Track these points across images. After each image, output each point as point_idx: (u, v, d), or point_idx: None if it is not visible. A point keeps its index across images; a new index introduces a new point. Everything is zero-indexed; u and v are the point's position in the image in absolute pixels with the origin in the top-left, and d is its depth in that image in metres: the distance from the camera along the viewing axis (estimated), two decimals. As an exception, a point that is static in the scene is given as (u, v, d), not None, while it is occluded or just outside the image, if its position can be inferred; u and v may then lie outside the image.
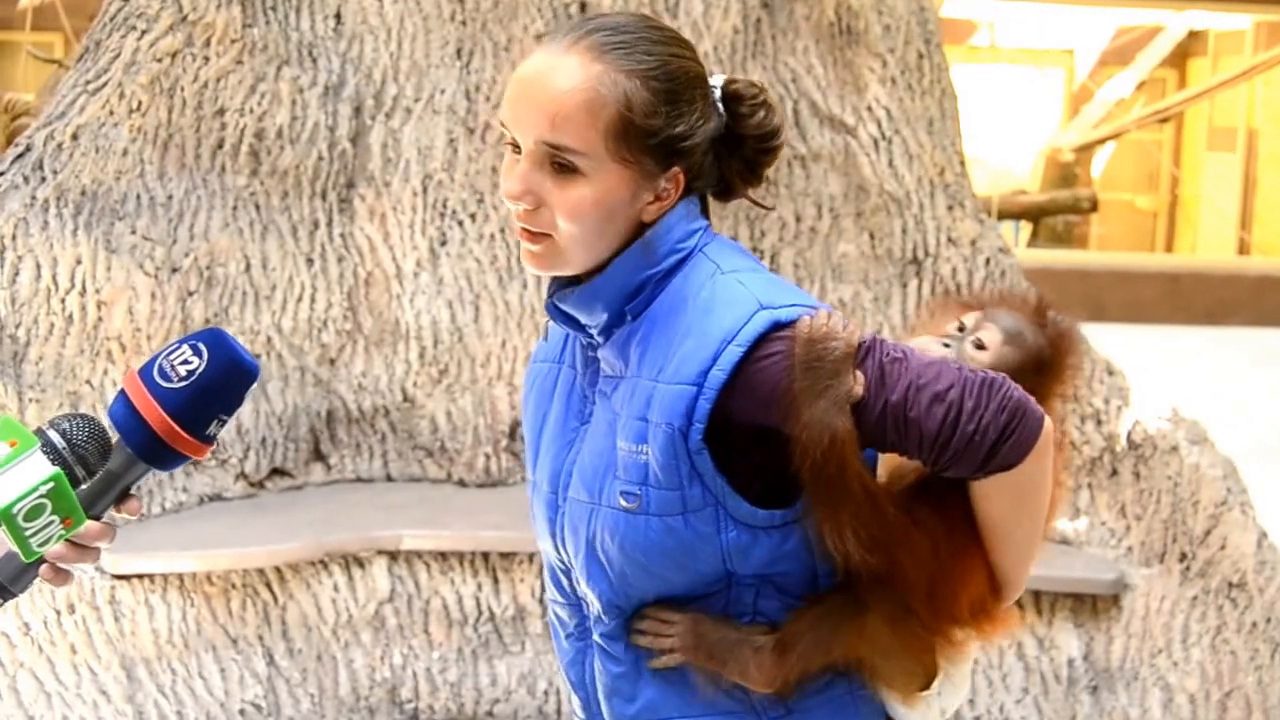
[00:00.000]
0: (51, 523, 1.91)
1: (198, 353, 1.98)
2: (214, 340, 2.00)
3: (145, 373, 1.99)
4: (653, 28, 2.32)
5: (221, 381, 1.99)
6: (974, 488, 2.27)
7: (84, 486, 1.98)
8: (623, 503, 2.30)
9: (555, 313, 2.39)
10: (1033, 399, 2.23)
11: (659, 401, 2.26)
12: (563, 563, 2.47)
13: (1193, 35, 22.81)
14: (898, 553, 2.28)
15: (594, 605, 2.44)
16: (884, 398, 2.19)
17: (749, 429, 2.25)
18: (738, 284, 2.31)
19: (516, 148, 2.29)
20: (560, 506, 2.43)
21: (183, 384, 1.96)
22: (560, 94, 2.21)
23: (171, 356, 1.98)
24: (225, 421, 2.02)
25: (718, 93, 2.36)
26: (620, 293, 2.33)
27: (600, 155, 2.23)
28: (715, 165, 2.38)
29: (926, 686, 2.44)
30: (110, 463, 2.00)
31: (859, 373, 2.20)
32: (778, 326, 2.24)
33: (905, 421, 2.18)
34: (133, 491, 2.04)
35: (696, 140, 2.31)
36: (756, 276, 2.36)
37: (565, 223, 2.26)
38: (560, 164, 2.24)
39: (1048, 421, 2.24)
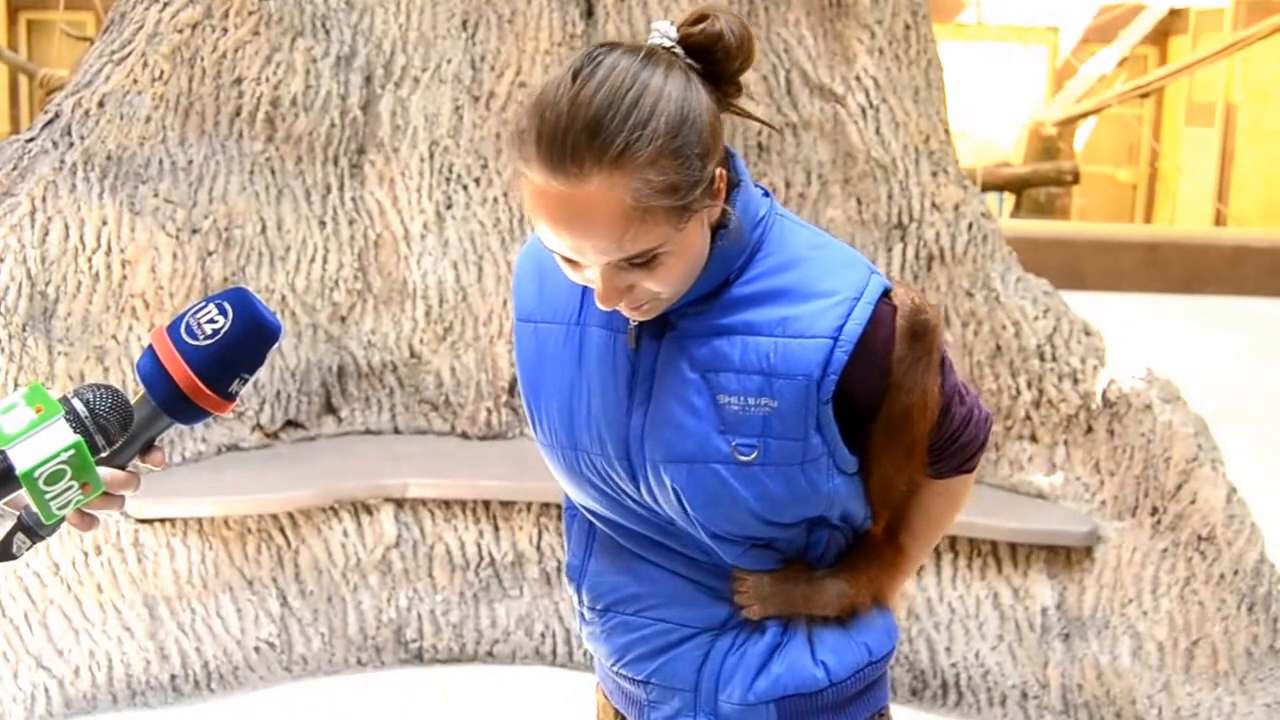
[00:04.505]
0: (71, 488, 1.91)
1: (223, 312, 1.98)
2: (239, 300, 2.01)
3: (172, 330, 1.99)
4: (612, 88, 2.10)
5: (245, 341, 1.99)
6: (929, 487, 2.57)
7: (103, 453, 1.97)
8: (739, 456, 2.29)
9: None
10: None
11: (786, 355, 2.25)
12: (662, 518, 2.44)
13: (1173, 13, 22.85)
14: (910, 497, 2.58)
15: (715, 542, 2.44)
16: (944, 381, 2.39)
17: (849, 381, 2.28)
18: (845, 249, 2.38)
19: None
20: (643, 470, 2.37)
21: (208, 342, 1.96)
22: (612, 224, 2.09)
23: (198, 315, 1.99)
24: (248, 379, 2.02)
25: (679, 49, 2.19)
26: (719, 282, 2.31)
27: (672, 234, 2.14)
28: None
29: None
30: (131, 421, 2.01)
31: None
32: (887, 291, 2.32)
33: (944, 414, 2.41)
34: (157, 444, 2.05)
35: (719, 140, 2.21)
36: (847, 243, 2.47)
37: (667, 287, 2.21)
38: (639, 263, 2.15)
39: None
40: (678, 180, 2.10)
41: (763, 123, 2.52)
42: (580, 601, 2.66)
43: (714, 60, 2.20)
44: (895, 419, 2.33)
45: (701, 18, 2.21)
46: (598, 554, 2.61)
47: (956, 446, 2.49)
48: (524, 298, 2.54)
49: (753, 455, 2.29)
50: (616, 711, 2.72)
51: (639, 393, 2.37)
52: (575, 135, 2.07)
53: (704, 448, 2.31)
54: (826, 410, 2.27)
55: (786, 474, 2.30)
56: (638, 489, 2.41)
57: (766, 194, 2.40)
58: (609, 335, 2.40)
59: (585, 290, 2.42)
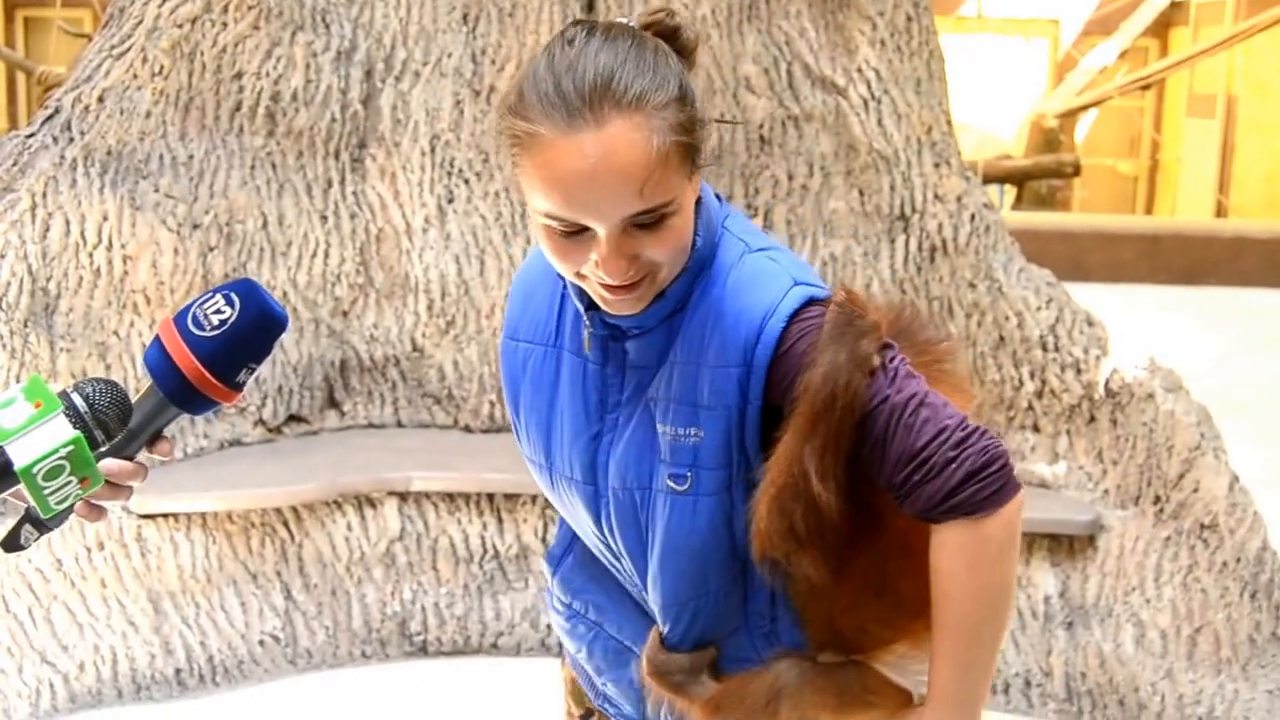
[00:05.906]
0: (69, 483, 1.90)
1: (230, 302, 1.97)
2: (246, 291, 2.00)
3: (180, 320, 1.98)
4: (615, 48, 2.12)
5: (252, 331, 1.98)
6: (933, 535, 2.18)
7: (103, 448, 1.96)
8: (672, 485, 2.27)
9: (599, 324, 2.33)
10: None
11: (709, 384, 2.23)
12: (613, 552, 2.45)
13: (1174, 5, 22.80)
14: (820, 535, 2.22)
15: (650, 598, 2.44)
16: (888, 393, 2.15)
17: (782, 398, 2.21)
18: (769, 261, 2.29)
19: (568, 231, 2.14)
20: (604, 496, 2.39)
21: (215, 332, 1.95)
22: (635, 167, 2.06)
23: (205, 305, 1.97)
24: (254, 370, 2.01)
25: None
26: (684, 296, 2.28)
27: (682, 188, 2.13)
28: None
29: None
30: (137, 412, 1.99)
31: (877, 357, 2.17)
32: (813, 301, 2.22)
33: (896, 425, 2.15)
34: (165, 434, 2.04)
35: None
36: (783, 254, 2.34)
37: (666, 257, 2.17)
38: (647, 222, 2.12)
39: (1022, 495, 2.18)
40: (689, 120, 2.12)
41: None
42: (552, 586, 2.72)
43: (682, 49, 2.23)
44: (802, 396, 2.16)
45: (659, 12, 2.23)
46: (576, 552, 2.64)
47: (927, 469, 2.14)
48: (511, 315, 2.55)
49: (685, 485, 2.28)
50: (583, 692, 2.77)
51: (606, 421, 2.38)
52: (590, 86, 2.07)
53: (648, 476, 2.32)
54: (753, 436, 2.25)
55: (717, 502, 2.29)
56: (596, 518, 2.43)
57: (719, 198, 2.39)
58: (580, 362, 2.40)
59: (561, 313, 2.44)
